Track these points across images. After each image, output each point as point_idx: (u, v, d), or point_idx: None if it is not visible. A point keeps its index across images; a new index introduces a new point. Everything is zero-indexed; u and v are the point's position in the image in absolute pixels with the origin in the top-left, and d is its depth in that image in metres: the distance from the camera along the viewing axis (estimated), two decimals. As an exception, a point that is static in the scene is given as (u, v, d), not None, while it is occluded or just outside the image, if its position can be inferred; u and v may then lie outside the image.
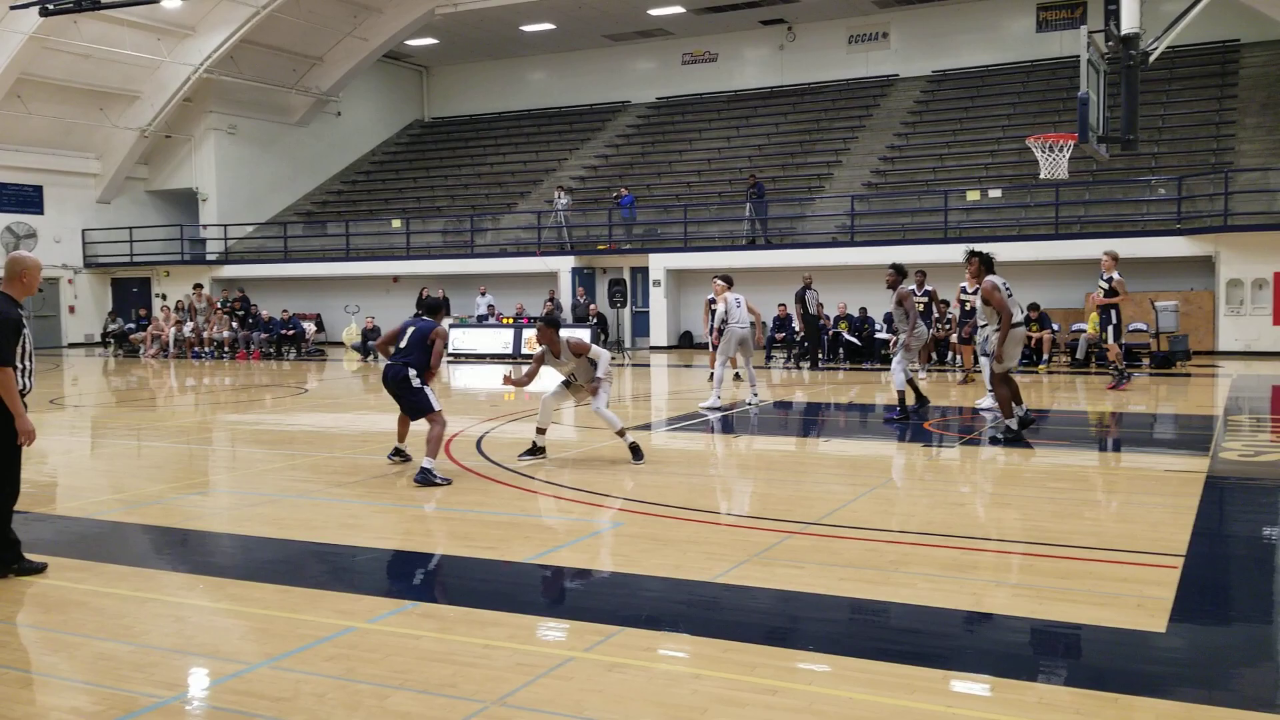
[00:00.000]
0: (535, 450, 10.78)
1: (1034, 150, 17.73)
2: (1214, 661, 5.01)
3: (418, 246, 32.18)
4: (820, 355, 22.52)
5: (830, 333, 23.31)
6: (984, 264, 11.95)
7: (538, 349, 10.66)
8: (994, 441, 11.32)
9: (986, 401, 14.41)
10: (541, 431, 10.80)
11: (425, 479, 9.39)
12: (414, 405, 9.95)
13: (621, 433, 10.46)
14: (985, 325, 12.82)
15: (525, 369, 10.79)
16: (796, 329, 24.08)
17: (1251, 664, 4.98)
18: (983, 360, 13.95)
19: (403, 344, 9.98)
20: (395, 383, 9.91)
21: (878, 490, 8.96)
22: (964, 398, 15.65)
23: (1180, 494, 8.42)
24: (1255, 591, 6.22)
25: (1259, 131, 26.42)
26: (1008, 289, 11.69)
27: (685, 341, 28.66)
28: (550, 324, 10.66)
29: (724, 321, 14.96)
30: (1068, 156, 17.02)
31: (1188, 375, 18.91)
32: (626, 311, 28.34)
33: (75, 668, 5.00)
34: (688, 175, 32.53)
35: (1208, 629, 5.47)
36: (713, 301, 19.12)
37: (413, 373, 9.81)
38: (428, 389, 9.87)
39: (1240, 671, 4.86)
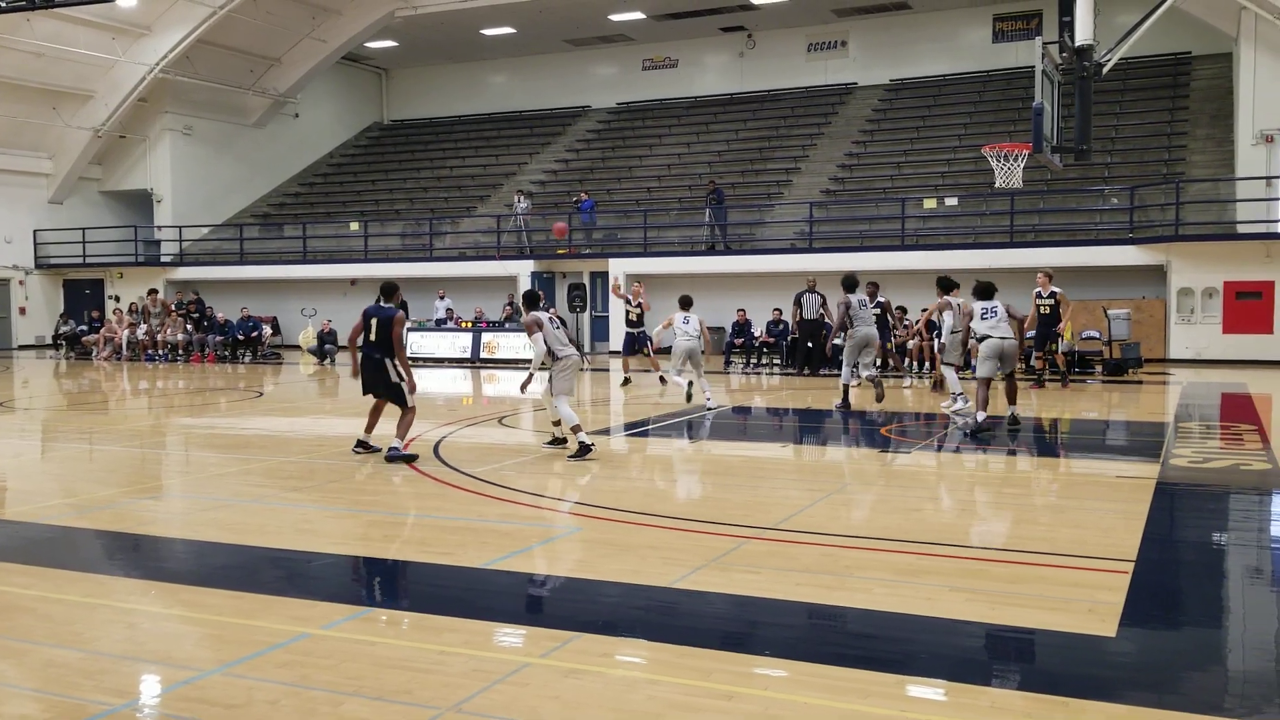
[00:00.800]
0: (556, 441, 11.22)
1: (989, 159, 17.92)
2: (1164, 665, 5.08)
3: (376, 249, 31.98)
4: (784, 361, 22.52)
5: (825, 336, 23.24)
6: (940, 286, 12.99)
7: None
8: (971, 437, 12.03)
9: (945, 404, 14.65)
10: (557, 424, 11.18)
11: (394, 455, 10.34)
12: (391, 395, 10.70)
13: (576, 429, 10.57)
14: (955, 333, 13.65)
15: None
16: (755, 334, 24.22)
17: (1200, 668, 5.06)
18: (947, 370, 14.31)
19: (371, 336, 10.57)
20: (374, 374, 10.58)
21: (834, 495, 9.01)
22: (920, 404, 15.78)
23: (1131, 500, 8.53)
24: (1204, 596, 6.32)
25: (1209, 143, 26.87)
26: (985, 311, 12.98)
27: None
28: (525, 299, 11.05)
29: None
30: (1023, 166, 17.22)
31: (1139, 382, 19.20)
32: (586, 316, 28.32)
33: (23, 675, 4.91)
34: (648, 180, 32.58)
35: (1158, 633, 5.55)
36: (628, 302, 19.32)
37: (389, 363, 10.52)
38: (404, 385, 10.55)
39: (1189, 675, 4.93)
